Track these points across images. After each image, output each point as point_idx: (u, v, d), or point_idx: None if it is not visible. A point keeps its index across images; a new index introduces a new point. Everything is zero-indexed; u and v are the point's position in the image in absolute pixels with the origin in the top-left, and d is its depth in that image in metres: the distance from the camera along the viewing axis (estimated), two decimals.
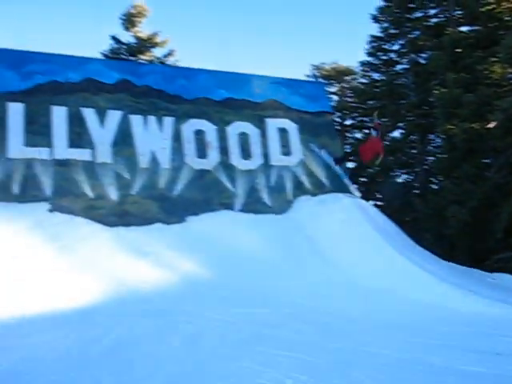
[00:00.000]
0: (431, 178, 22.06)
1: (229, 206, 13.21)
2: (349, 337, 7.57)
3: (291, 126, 14.93)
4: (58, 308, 8.55)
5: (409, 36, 22.37)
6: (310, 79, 26.10)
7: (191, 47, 47.80)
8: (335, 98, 26.81)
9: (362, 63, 24.30)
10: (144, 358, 6.70)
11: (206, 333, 7.59)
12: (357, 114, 25.63)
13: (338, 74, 27.43)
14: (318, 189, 14.35)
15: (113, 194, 12.28)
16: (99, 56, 22.26)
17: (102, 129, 12.85)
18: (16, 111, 12.35)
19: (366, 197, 17.05)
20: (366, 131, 24.66)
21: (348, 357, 6.72)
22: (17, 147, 12.02)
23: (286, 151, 14.57)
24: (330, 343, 7.23)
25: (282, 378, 5.98)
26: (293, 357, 6.67)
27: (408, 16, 22.19)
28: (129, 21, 23.79)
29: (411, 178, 23.31)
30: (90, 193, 12.10)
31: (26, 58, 13.13)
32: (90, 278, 9.60)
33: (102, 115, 12.99)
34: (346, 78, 27.63)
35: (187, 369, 6.40)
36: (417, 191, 21.69)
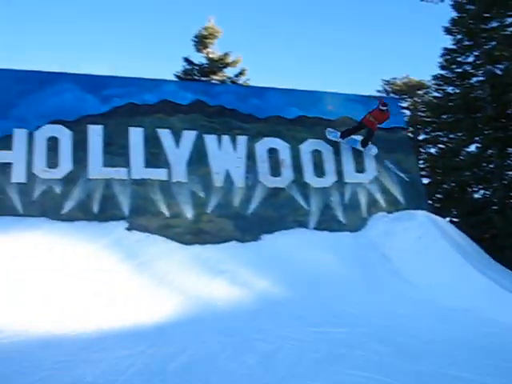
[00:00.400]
0: (511, 193, 21.25)
1: (303, 224, 13.13)
2: (427, 358, 7.34)
3: None
4: (136, 323, 8.70)
5: (484, 47, 21.71)
6: (382, 94, 25.81)
7: (262, 66, 48.23)
8: (407, 112, 26.40)
9: (435, 77, 23.78)
10: (220, 376, 6.72)
11: (281, 351, 7.53)
12: (430, 129, 25.11)
13: (410, 89, 27.05)
14: (393, 206, 14.09)
15: (188, 212, 12.46)
16: (172, 78, 22.78)
17: (178, 149, 13.09)
18: (96, 133, 12.80)
19: (441, 213, 16.62)
20: (441, 146, 24.22)
21: (427, 380, 6.53)
22: (96, 168, 12.44)
23: (360, 168, 14.39)
24: (407, 364, 7.04)
25: None
26: (370, 377, 6.53)
27: (483, 26, 21.55)
28: (201, 42, 24.29)
29: (489, 193, 22.51)
30: (166, 211, 12.34)
31: (105, 82, 13.58)
32: (166, 295, 9.74)
33: (177, 135, 13.24)
34: (419, 92, 27.19)
35: None
36: (495, 207, 20.91)
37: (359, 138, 14.52)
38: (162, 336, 8.17)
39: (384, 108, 13.78)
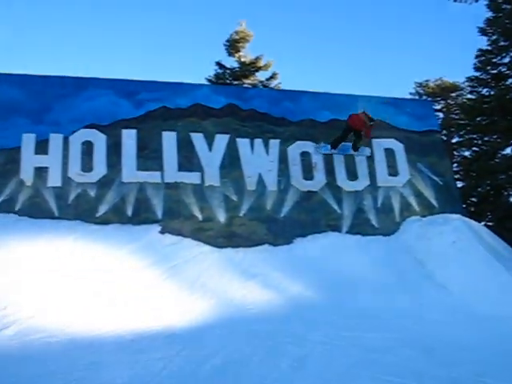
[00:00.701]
0: None
1: (336, 228, 13.06)
2: (462, 366, 7.21)
3: (398, 146, 14.61)
4: (168, 326, 8.75)
5: None
6: (414, 97, 25.55)
7: (294, 69, 48.23)
8: (441, 115, 26.06)
9: (470, 78, 23.41)
10: (252, 379, 6.71)
11: (313, 356, 7.49)
12: (464, 132, 24.73)
13: (444, 91, 26.69)
14: (427, 209, 13.91)
15: (221, 215, 12.51)
16: (205, 82, 22.92)
17: (210, 152, 13.15)
18: (129, 137, 12.95)
19: (476, 217, 16.35)
20: (475, 149, 23.84)
21: None
22: (130, 171, 12.59)
23: (393, 172, 14.26)
24: (441, 371, 6.94)
25: None
26: (402, 383, 6.45)
27: None
28: (232, 46, 24.38)
29: None
30: (198, 215, 12.40)
31: (139, 86, 13.72)
32: (198, 298, 9.79)
33: (210, 139, 13.30)
34: (452, 94, 26.82)
35: None
36: None
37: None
38: (195, 339, 8.19)
39: (370, 123, 13.55)
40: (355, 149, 13.97)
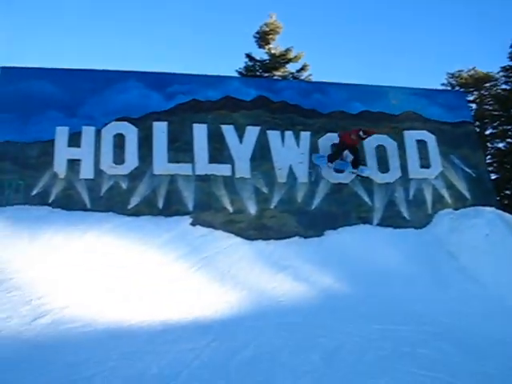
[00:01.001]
0: None
1: (367, 220, 12.98)
2: (495, 360, 7.14)
3: (430, 138, 14.42)
4: (199, 317, 8.81)
5: None
6: (447, 88, 25.18)
7: (324, 61, 48.00)
8: (474, 106, 25.65)
9: (504, 68, 23.01)
10: (283, 371, 6.71)
11: (344, 348, 7.46)
12: (498, 123, 24.31)
13: (477, 82, 26.23)
14: (460, 202, 13.72)
15: (252, 208, 12.54)
16: (235, 74, 22.89)
17: (241, 144, 13.16)
18: (160, 130, 13.04)
19: (510, 210, 16.07)
20: (510, 140, 23.42)
21: (494, 381, 6.34)
22: (161, 164, 12.68)
23: (425, 163, 14.08)
24: (474, 365, 6.88)
25: None
26: (434, 377, 6.42)
27: None
28: (262, 38, 24.30)
29: None
30: (229, 207, 12.45)
31: (169, 79, 13.76)
32: (229, 290, 9.82)
33: (240, 131, 13.32)
34: (486, 85, 26.34)
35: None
36: None
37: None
38: (226, 330, 8.22)
39: (365, 136, 12.97)
40: (355, 165, 13.37)
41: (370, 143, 13.82)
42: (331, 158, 13.20)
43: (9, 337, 7.74)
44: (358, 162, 13.24)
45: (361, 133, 12.71)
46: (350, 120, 13.98)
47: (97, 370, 6.69)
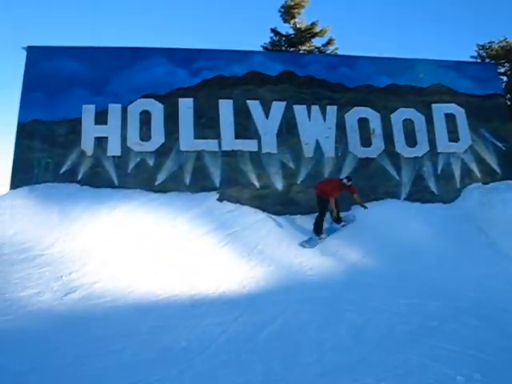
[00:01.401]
0: None
1: (394, 195, 12.90)
2: None
3: (459, 111, 14.16)
4: (227, 292, 8.85)
5: None
6: (477, 60, 24.63)
7: (350, 34, 47.26)
8: (505, 78, 25.05)
9: None
10: (310, 345, 6.71)
11: (372, 323, 7.44)
12: None
13: (508, 53, 25.55)
14: (489, 176, 13.53)
15: (278, 183, 12.52)
16: (260, 50, 22.67)
17: (267, 120, 13.08)
18: (186, 106, 13.01)
19: None
20: None
21: None
22: (188, 140, 12.71)
23: (454, 137, 13.85)
24: (502, 341, 6.78)
25: (452, 374, 5.73)
26: (463, 352, 6.36)
27: None
28: (288, 13, 23.95)
29: None
30: (256, 182, 12.46)
31: (195, 55, 13.69)
32: (257, 265, 9.84)
33: (266, 106, 13.23)
34: None
35: (352, 358, 6.32)
36: None
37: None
38: (253, 305, 8.24)
39: (349, 183, 11.56)
40: (337, 220, 11.68)
41: (397, 117, 13.63)
42: (319, 230, 11.28)
43: (42, 311, 7.89)
44: (337, 215, 11.58)
45: (345, 180, 11.56)
46: (377, 93, 13.83)
47: (126, 344, 6.78)
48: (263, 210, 12.00)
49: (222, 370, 6.05)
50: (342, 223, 11.67)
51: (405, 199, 12.90)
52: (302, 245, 10.84)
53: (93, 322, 7.48)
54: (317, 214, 11.42)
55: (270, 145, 12.86)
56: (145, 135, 12.69)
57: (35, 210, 11.38)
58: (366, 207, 11.75)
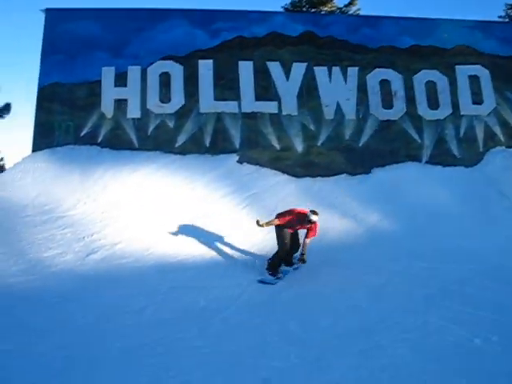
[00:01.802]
0: None
1: (415, 158, 12.72)
2: None
3: (483, 73, 13.83)
4: (246, 254, 8.97)
5: None
6: (504, 20, 24.00)
7: None
8: None
9: None
10: (326, 308, 6.77)
11: (390, 286, 7.46)
12: None
13: None
14: None
15: (299, 145, 12.44)
16: (281, 10, 22.30)
17: (287, 81, 12.93)
18: (206, 68, 12.91)
19: None
20: None
21: None
22: (208, 102, 12.65)
23: (478, 100, 13.56)
24: None
25: (470, 336, 5.76)
26: (480, 315, 6.38)
27: None
28: None
29: None
30: (276, 144, 12.38)
31: (214, 16, 13.52)
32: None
33: (286, 68, 13.06)
34: None
35: (370, 320, 6.33)
36: None
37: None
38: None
39: (314, 220, 8.48)
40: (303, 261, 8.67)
41: (420, 78, 13.39)
42: (275, 270, 8.40)
43: (65, 271, 8.03)
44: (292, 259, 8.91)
45: (312, 217, 8.46)
46: (400, 55, 13.55)
47: (147, 303, 6.90)
48: (283, 171, 11.96)
49: (241, 329, 6.15)
50: (295, 266, 8.68)
51: (426, 162, 12.72)
52: (260, 281, 8.05)
53: (114, 282, 7.60)
54: (276, 253, 8.56)
55: (290, 107, 12.73)
56: (164, 97, 12.64)
57: (57, 172, 11.49)
58: (303, 262, 8.46)
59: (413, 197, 11.04)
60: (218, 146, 12.28)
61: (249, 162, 12.03)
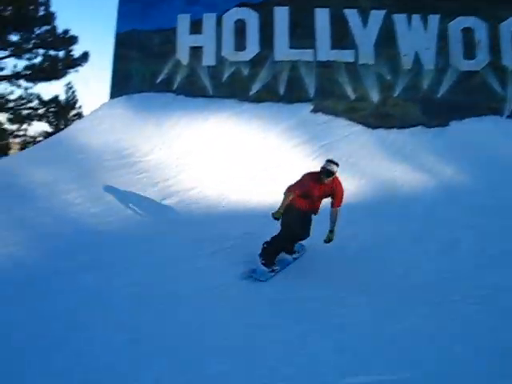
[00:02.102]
0: None
1: (497, 111, 12.15)
2: None
3: None
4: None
5: None
6: None
7: None
8: None
9: None
10: (398, 260, 6.69)
11: (463, 241, 7.30)
12: None
13: None
14: None
15: (374, 95, 12.15)
16: None
17: (365, 29, 12.53)
18: (281, 15, 12.70)
19: None
20: None
21: None
22: (283, 50, 12.49)
23: None
24: None
25: None
26: None
27: None
28: None
29: None
30: (351, 94, 12.14)
31: None
32: (349, 178, 9.57)
33: (364, 15, 12.63)
34: None
35: (442, 274, 6.21)
36: None
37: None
38: (344, 216, 8.16)
39: (332, 170, 6.41)
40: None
41: (507, 27, 12.57)
42: (269, 259, 6.52)
43: (140, 214, 8.26)
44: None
45: (330, 167, 6.41)
46: (485, 1, 12.77)
47: (219, 247, 7.05)
48: (358, 122, 11.74)
49: (312, 276, 6.17)
50: (295, 254, 7.03)
51: (508, 117, 12.15)
52: (252, 276, 6.39)
53: (187, 227, 7.79)
54: (277, 235, 6.65)
55: (367, 56, 12.37)
56: (239, 45, 12.58)
57: (133, 118, 11.76)
58: (329, 241, 6.45)
59: (491, 152, 10.61)
60: (293, 95, 12.16)
61: (323, 112, 11.87)
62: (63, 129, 16.57)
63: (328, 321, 5.14)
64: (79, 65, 26.94)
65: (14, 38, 25.75)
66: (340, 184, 6.49)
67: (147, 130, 11.38)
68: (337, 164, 6.40)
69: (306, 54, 12.39)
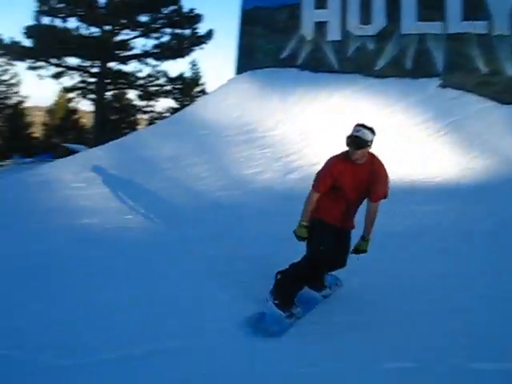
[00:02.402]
0: None
1: None
2: None
3: None
4: (444, 182, 8.69)
5: None
6: None
7: None
8: None
9: None
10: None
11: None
12: None
13: None
14: None
15: (509, 69, 11.30)
16: None
17: None
18: None
19: None
20: None
21: None
22: (410, 23, 12.04)
23: None
24: None
25: None
26: None
27: None
28: None
29: None
30: (483, 68, 11.41)
31: None
32: (477, 157, 9.36)
33: None
34: None
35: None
36: None
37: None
38: (470, 196, 7.90)
39: (367, 138, 4.25)
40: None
41: None
42: (286, 299, 4.19)
43: (263, 188, 8.44)
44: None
45: (360, 133, 4.25)
46: None
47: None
48: (490, 98, 11.00)
49: (438, 256, 5.92)
50: (325, 290, 4.75)
51: None
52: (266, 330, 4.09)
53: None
54: (300, 262, 4.35)
55: (502, 26, 11.44)
56: (365, 19, 12.32)
57: (257, 94, 11.95)
58: (361, 252, 4.44)
59: None
60: (420, 69, 11.72)
61: (452, 87, 11.31)
62: (188, 105, 17.19)
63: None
64: (204, 42, 27.85)
65: (143, 18, 27.02)
66: (382, 165, 4.38)
67: (271, 105, 11.54)
68: (371, 130, 4.30)
69: (434, 27, 11.83)
